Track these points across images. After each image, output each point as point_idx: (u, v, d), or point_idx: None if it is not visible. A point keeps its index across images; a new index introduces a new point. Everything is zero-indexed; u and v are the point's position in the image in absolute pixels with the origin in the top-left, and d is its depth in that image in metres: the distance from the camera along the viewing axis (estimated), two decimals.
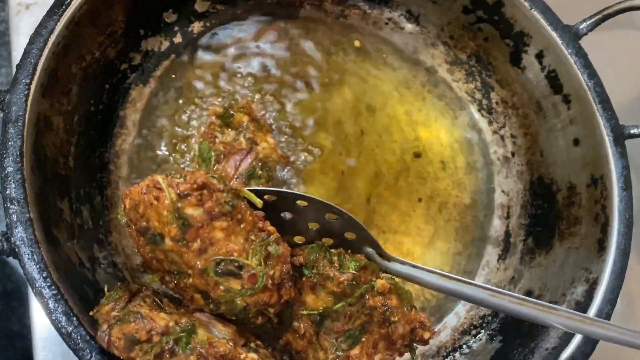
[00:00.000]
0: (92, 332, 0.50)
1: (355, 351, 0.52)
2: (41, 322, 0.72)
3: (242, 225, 0.50)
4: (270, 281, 0.50)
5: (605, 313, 0.59)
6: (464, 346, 0.68)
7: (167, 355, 0.47)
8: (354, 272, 0.53)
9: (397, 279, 0.56)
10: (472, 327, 0.69)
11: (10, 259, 1.04)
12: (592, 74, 0.68)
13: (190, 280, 0.50)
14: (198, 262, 0.49)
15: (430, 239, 0.75)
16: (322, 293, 0.53)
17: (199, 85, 0.75)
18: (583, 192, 0.68)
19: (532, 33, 0.72)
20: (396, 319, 0.52)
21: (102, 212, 0.67)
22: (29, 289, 0.74)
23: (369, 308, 0.52)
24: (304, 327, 0.53)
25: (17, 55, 0.85)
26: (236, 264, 0.49)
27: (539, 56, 0.73)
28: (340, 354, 0.52)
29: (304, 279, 0.55)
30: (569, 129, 0.71)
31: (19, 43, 0.87)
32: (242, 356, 0.49)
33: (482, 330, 0.69)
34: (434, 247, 0.75)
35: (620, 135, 0.66)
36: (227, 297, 0.50)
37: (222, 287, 0.50)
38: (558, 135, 0.72)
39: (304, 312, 0.53)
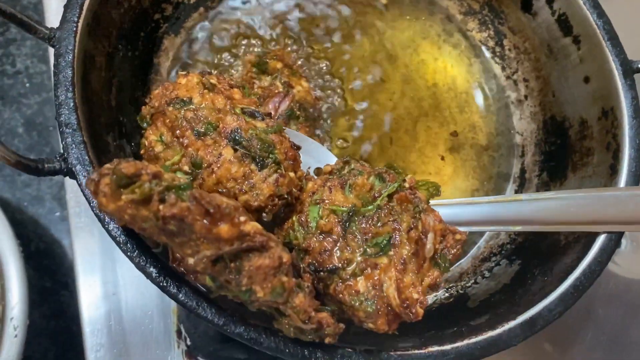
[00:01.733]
0: (146, 242, 0.54)
1: (384, 260, 0.51)
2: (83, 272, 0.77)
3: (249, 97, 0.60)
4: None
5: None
6: (485, 271, 0.72)
7: (156, 201, 0.41)
8: (384, 167, 0.56)
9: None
10: (492, 255, 0.73)
11: (42, 220, 1.08)
12: (601, 13, 0.72)
13: (220, 125, 0.54)
14: (228, 104, 0.55)
15: (449, 177, 0.79)
16: (351, 195, 0.54)
17: (229, 36, 0.79)
18: (594, 125, 0.72)
19: None
20: (425, 206, 0.53)
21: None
22: (67, 244, 0.79)
23: (397, 212, 0.52)
24: (330, 224, 0.52)
25: (50, 16, 0.90)
26: (257, 111, 0.56)
27: (549, 1, 0.77)
28: (368, 257, 0.50)
29: (334, 177, 0.56)
30: (579, 68, 0.75)
31: (51, 6, 0.91)
32: (242, 218, 0.43)
33: (501, 257, 0.73)
34: (454, 185, 0.79)
35: (629, 69, 0.70)
36: (257, 132, 0.54)
37: (252, 124, 0.54)
38: (569, 75, 0.76)
39: (332, 207, 0.53)
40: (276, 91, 0.72)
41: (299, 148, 0.58)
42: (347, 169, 0.56)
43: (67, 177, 0.56)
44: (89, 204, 0.54)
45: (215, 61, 0.78)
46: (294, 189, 0.55)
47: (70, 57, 0.59)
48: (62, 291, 1.02)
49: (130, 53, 0.72)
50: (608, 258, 0.60)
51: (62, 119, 0.57)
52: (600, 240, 0.61)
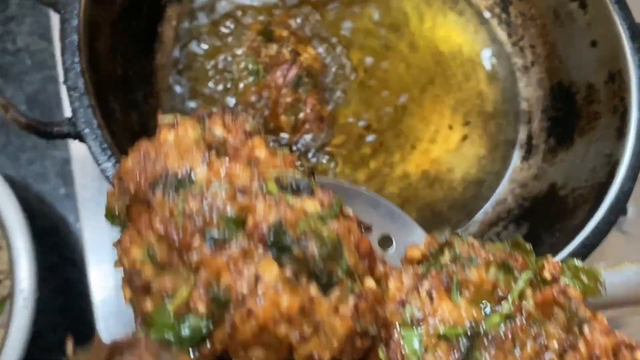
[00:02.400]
0: None
1: None
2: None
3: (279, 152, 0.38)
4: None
5: (628, 188, 0.62)
6: (493, 236, 0.72)
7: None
8: (505, 244, 0.37)
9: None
10: (499, 220, 0.73)
11: (47, 197, 1.08)
12: None
13: (250, 221, 0.32)
14: (255, 177, 0.34)
15: (456, 145, 0.79)
16: (463, 301, 0.34)
17: (231, 5, 0.79)
18: (601, 89, 0.72)
19: None
20: (587, 314, 0.33)
21: (148, 119, 0.71)
22: (75, 219, 0.79)
23: (536, 320, 0.34)
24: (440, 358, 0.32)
25: None
26: (301, 179, 0.35)
27: None
28: None
29: (429, 270, 0.36)
30: (586, 33, 0.74)
31: None
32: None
33: (509, 221, 0.73)
34: (460, 153, 0.78)
35: (636, 32, 0.69)
36: (311, 223, 0.32)
37: (299, 208, 0.33)
38: (576, 40, 0.76)
39: (439, 330, 0.33)
40: (283, 59, 0.72)
41: (368, 228, 0.37)
42: (447, 255, 0.37)
43: (77, 141, 0.56)
44: (98, 165, 0.54)
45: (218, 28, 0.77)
46: (379, 311, 0.33)
47: (75, 22, 0.59)
48: (69, 268, 1.03)
49: (134, 22, 0.72)
50: (616, 218, 0.61)
51: (69, 83, 0.57)
52: (608, 201, 0.61)
